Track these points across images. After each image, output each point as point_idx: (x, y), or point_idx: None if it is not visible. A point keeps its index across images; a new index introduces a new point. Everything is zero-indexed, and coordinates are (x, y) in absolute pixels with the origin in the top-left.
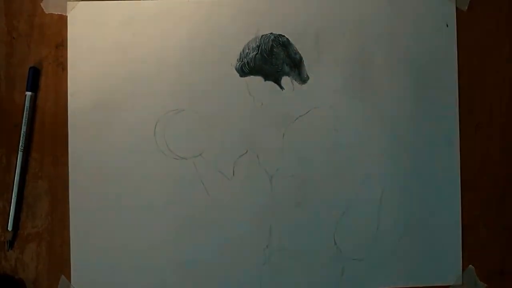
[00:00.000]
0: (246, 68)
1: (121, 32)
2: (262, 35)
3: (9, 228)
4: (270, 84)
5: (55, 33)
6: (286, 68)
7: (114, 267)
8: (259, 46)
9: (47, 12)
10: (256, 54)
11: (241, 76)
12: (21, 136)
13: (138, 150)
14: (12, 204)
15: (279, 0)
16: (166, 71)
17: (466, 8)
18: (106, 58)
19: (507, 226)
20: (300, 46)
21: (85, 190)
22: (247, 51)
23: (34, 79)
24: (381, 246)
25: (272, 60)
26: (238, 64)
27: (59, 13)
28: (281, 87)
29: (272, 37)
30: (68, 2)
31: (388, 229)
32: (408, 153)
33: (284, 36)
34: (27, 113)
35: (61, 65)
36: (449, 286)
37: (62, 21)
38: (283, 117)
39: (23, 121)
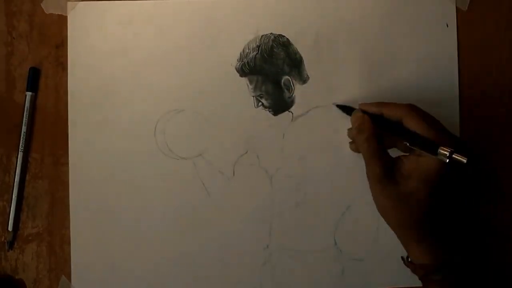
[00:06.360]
0: (246, 68)
1: (121, 32)
2: (262, 35)
3: (9, 228)
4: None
5: (55, 33)
6: (286, 68)
7: (114, 267)
8: (259, 46)
9: (47, 12)
10: (256, 54)
11: (241, 76)
12: (21, 136)
13: (138, 150)
14: (12, 204)
15: (279, 0)
16: (166, 71)
17: (466, 8)
18: (106, 58)
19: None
20: (300, 46)
21: (85, 190)
22: (247, 51)
23: (34, 79)
24: (381, 246)
25: (272, 60)
26: (238, 64)
27: (59, 13)
28: (281, 87)
29: (272, 37)
30: (68, 2)
31: (388, 229)
32: None
33: (284, 36)
34: (27, 113)
35: (61, 65)
36: None
37: (62, 21)
38: (283, 117)
39: (23, 121)
